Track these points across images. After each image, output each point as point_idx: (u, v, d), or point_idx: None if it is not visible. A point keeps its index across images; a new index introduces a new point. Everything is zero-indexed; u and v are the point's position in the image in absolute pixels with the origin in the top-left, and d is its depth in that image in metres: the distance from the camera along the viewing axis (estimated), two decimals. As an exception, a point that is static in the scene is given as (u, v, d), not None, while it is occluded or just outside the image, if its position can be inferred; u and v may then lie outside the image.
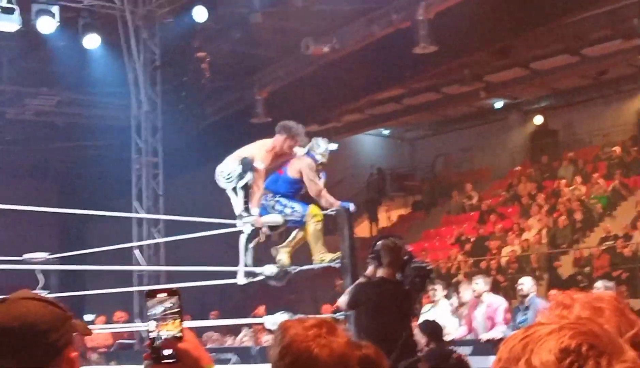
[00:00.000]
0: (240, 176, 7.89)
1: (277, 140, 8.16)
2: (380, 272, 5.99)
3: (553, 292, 12.55)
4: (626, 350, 1.14)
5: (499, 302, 9.80)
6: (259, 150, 8.10)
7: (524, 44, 17.47)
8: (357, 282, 6.37)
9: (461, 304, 10.51)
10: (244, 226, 8.10)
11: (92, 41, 15.16)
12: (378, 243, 6.20)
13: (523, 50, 18.00)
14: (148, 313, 1.86)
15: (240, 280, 8.17)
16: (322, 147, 8.37)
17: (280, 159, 8.23)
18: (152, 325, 1.86)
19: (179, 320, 1.90)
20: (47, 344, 1.68)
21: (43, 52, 16.13)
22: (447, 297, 10.70)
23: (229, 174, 7.95)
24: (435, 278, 8.77)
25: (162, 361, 1.88)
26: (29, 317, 1.68)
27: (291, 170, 8.24)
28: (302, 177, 8.16)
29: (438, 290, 10.40)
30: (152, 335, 1.86)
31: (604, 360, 1.10)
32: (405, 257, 6.09)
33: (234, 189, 7.99)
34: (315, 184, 8.11)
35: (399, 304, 5.86)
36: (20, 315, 1.68)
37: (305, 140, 8.31)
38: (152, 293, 1.90)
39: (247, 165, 7.87)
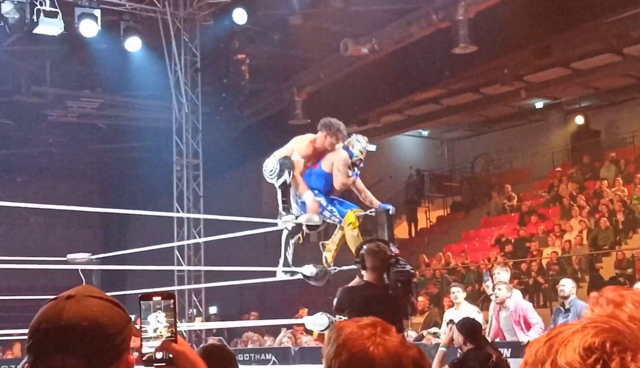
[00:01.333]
0: (279, 175, 7.93)
1: (318, 136, 8.19)
2: (366, 276, 5.89)
3: (594, 294, 12.42)
4: None
5: (526, 305, 9.76)
6: (298, 143, 8.13)
7: (564, 43, 17.31)
8: (343, 286, 6.30)
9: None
10: (285, 224, 8.15)
11: (133, 44, 15.33)
12: (363, 246, 6.05)
13: (564, 50, 17.84)
14: (143, 316, 1.88)
15: (279, 275, 8.22)
16: (362, 143, 8.36)
17: (320, 155, 8.23)
18: (146, 328, 1.89)
19: (174, 323, 1.93)
20: (113, 346, 1.68)
21: (85, 55, 16.34)
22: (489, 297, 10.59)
23: (270, 171, 8.00)
24: (418, 284, 8.59)
25: (155, 364, 1.90)
26: (98, 317, 1.67)
27: (325, 164, 8.21)
28: (333, 170, 8.15)
29: (459, 292, 10.30)
30: (145, 337, 1.88)
31: (628, 355, 1.12)
32: (391, 261, 5.92)
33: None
34: (343, 176, 8.07)
35: (385, 308, 5.67)
36: (90, 314, 1.66)
37: (346, 137, 8.32)
38: (147, 296, 1.92)
39: (284, 164, 7.90)
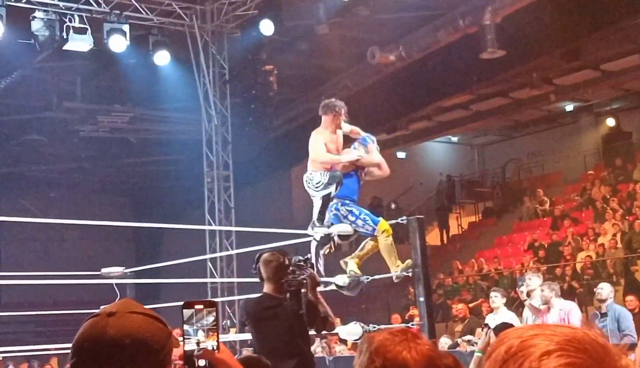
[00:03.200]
0: (325, 187, 7.94)
1: (327, 121, 8.25)
2: (265, 288, 5.75)
3: (630, 298, 12.28)
4: (625, 366, 1.04)
5: (571, 306, 9.58)
6: (323, 137, 8.16)
7: (593, 46, 17.18)
8: (245, 299, 6.20)
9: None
10: (316, 234, 8.16)
11: (162, 58, 15.45)
12: (259, 257, 5.82)
13: (593, 52, 17.70)
14: (185, 325, 1.89)
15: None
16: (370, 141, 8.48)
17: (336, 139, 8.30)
18: (189, 336, 1.90)
19: (216, 332, 1.94)
20: (156, 362, 1.68)
21: (115, 70, 16.50)
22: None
23: (317, 183, 8.01)
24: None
25: None
26: (141, 333, 1.67)
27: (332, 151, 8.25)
28: (355, 168, 8.19)
29: (497, 297, 10.18)
30: (188, 346, 1.89)
31: None
32: (287, 271, 5.62)
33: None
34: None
35: (284, 320, 5.54)
36: (133, 331, 1.67)
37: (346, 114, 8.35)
38: (189, 305, 1.94)
39: (334, 177, 7.89)
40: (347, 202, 8.14)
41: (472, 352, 7.99)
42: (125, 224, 10.44)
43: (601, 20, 15.03)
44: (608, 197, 20.23)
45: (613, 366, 1.03)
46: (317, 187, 7.95)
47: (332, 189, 7.90)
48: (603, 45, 17.17)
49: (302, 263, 5.69)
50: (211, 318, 1.94)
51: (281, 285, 5.60)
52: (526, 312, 9.75)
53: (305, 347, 5.58)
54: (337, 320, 7.90)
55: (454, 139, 27.38)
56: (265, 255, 5.75)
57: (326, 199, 7.96)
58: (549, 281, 10.30)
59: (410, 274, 8.01)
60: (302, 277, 5.55)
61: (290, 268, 5.62)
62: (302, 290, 5.51)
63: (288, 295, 5.52)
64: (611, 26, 15.41)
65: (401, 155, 24.03)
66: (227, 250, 15.12)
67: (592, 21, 15.11)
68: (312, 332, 5.85)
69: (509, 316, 9.64)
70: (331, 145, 8.04)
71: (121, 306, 1.75)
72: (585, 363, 1.02)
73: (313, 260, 8.24)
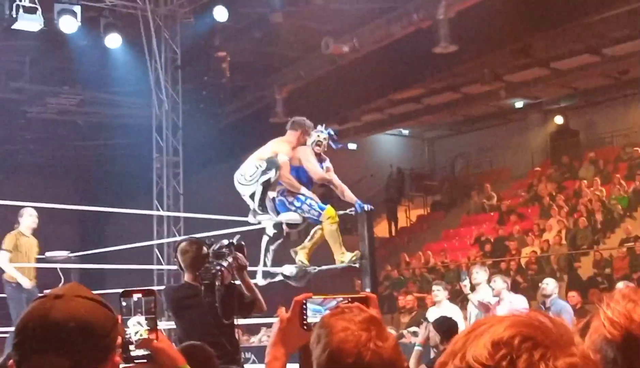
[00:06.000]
0: (264, 173, 7.94)
1: (293, 136, 8.25)
2: (185, 276, 5.64)
3: (572, 293, 12.50)
4: (576, 344, 1.05)
5: (520, 300, 9.68)
6: (279, 146, 8.17)
7: (544, 44, 17.40)
8: (165, 286, 6.21)
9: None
10: (267, 225, 8.16)
11: (113, 40, 15.25)
12: (179, 246, 5.77)
13: (543, 50, 17.92)
14: (123, 314, 1.87)
15: (260, 281, 8.19)
16: (323, 134, 8.40)
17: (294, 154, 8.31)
18: (127, 325, 1.88)
19: (155, 320, 1.93)
20: (100, 347, 1.66)
21: (65, 51, 16.24)
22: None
23: (251, 176, 8.00)
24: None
25: (135, 361, 1.90)
26: (87, 317, 1.65)
27: (293, 161, 8.28)
28: (303, 164, 8.20)
29: (440, 291, 10.22)
30: (126, 335, 1.87)
31: (537, 353, 1.01)
32: (204, 260, 5.57)
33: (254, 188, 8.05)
34: (314, 167, 8.14)
35: (203, 310, 5.45)
36: (78, 314, 1.65)
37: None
38: (128, 294, 1.92)
39: (271, 162, 7.93)
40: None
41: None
42: (70, 207, 10.30)
43: (552, 19, 15.21)
44: (554, 193, 20.54)
45: (565, 341, 1.04)
46: (251, 179, 7.98)
47: (271, 174, 7.91)
48: (553, 43, 17.39)
49: (223, 250, 5.63)
50: (150, 307, 1.92)
51: (195, 273, 5.55)
52: (470, 307, 9.83)
53: (225, 338, 5.50)
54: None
55: (405, 132, 27.52)
56: (182, 245, 5.69)
57: (266, 185, 7.98)
58: (496, 275, 10.40)
59: (357, 265, 8.04)
60: (217, 268, 5.48)
61: (209, 258, 5.56)
62: (217, 283, 5.44)
63: (203, 288, 5.48)
64: (562, 25, 15.61)
65: (352, 146, 24.08)
66: (175, 236, 15.00)
67: (544, 19, 15.29)
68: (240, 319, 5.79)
69: (451, 309, 9.72)
70: (283, 157, 8.06)
71: (69, 289, 1.73)
72: (532, 333, 1.03)
73: (262, 256, 8.21)
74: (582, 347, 1.05)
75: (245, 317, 5.74)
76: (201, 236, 6.14)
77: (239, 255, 5.66)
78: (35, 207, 9.26)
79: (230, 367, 5.35)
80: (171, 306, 5.71)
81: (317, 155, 8.29)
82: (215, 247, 5.63)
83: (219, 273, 5.47)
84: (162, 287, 14.03)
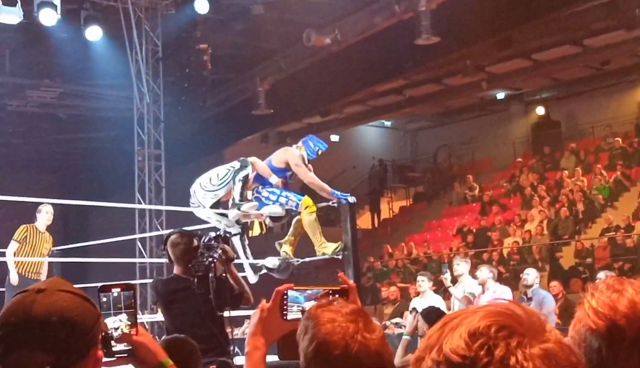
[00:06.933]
0: (239, 170, 8.03)
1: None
2: (175, 269, 5.61)
3: (554, 283, 12.57)
4: (549, 330, 1.06)
5: (504, 290, 9.72)
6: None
7: (525, 35, 17.43)
8: (155, 278, 6.20)
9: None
10: (229, 225, 8.20)
11: (94, 33, 15.15)
12: (167, 238, 5.72)
13: (525, 41, 17.96)
14: (102, 308, 1.87)
15: (252, 278, 8.21)
16: (322, 143, 8.45)
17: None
18: (106, 320, 1.88)
19: (134, 315, 1.93)
20: (82, 342, 1.66)
21: (45, 44, 16.12)
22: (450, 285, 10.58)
23: (223, 177, 8.09)
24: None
25: (116, 356, 1.89)
26: (69, 312, 1.65)
27: (276, 160, 8.34)
28: (289, 166, 8.24)
29: (424, 281, 10.26)
30: (107, 330, 1.87)
31: (514, 340, 1.02)
32: (196, 253, 5.51)
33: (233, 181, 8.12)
34: (305, 172, 8.18)
35: (193, 303, 5.42)
36: (60, 308, 1.64)
37: None
38: (106, 288, 1.92)
39: (244, 161, 8.07)
40: (267, 185, 8.25)
41: (400, 335, 8.08)
42: (51, 201, 10.26)
43: (533, 10, 15.24)
44: (536, 184, 20.65)
45: (538, 328, 1.05)
46: (221, 182, 8.09)
47: (249, 171, 8.02)
48: (534, 35, 17.43)
49: (212, 242, 5.61)
50: (129, 301, 1.92)
51: (185, 266, 5.52)
52: (454, 299, 9.87)
53: (217, 329, 5.50)
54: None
55: (387, 124, 27.56)
56: (172, 237, 5.64)
57: (245, 180, 8.06)
58: (482, 265, 10.45)
59: (340, 257, 8.05)
60: (209, 260, 5.47)
61: (199, 250, 5.54)
62: (210, 275, 5.43)
63: (195, 280, 5.46)
64: (543, 16, 15.65)
65: (335, 138, 24.08)
66: (158, 230, 14.96)
67: (525, 11, 15.32)
68: (227, 312, 5.79)
69: (435, 300, 9.76)
70: (280, 163, 8.41)
71: (51, 283, 1.72)
72: (507, 322, 1.04)
73: (240, 253, 8.22)
74: (555, 332, 1.07)
75: (233, 309, 5.74)
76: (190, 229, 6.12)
77: (227, 247, 5.66)
78: (15, 202, 9.22)
79: (221, 359, 5.35)
80: (161, 299, 5.68)
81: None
82: (205, 239, 5.62)
83: (212, 265, 5.46)
84: (145, 281, 14.05)
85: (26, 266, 9.81)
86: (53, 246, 10.33)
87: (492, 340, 1.02)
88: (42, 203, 10.10)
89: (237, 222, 8.33)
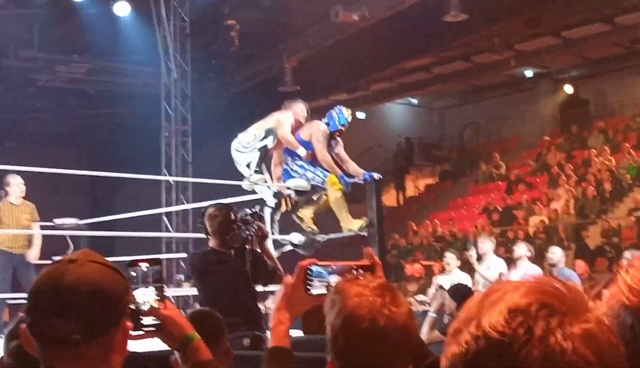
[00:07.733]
0: (262, 139, 8.06)
1: (293, 116, 8.36)
2: (210, 242, 5.63)
3: (579, 262, 12.52)
4: (590, 309, 1.04)
5: (535, 270, 9.63)
6: (283, 117, 8.27)
7: (555, 12, 17.27)
8: (191, 252, 6.21)
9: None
10: (266, 196, 8.22)
11: (122, 9, 15.23)
12: (206, 211, 5.75)
13: (554, 19, 17.80)
14: (131, 283, 1.90)
15: (273, 252, 8.25)
16: (344, 116, 8.39)
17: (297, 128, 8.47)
18: (135, 294, 1.91)
19: (162, 289, 1.96)
20: (112, 312, 1.68)
21: (74, 19, 16.21)
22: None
23: (248, 143, 8.10)
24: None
25: (143, 329, 1.93)
26: (100, 282, 1.67)
27: (304, 133, 8.35)
28: (312, 141, 8.25)
29: (453, 259, 10.25)
30: (134, 304, 1.90)
31: (554, 320, 1.00)
32: (233, 226, 5.57)
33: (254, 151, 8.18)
34: (321, 148, 8.16)
35: (229, 276, 5.46)
36: (91, 279, 1.66)
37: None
38: (134, 263, 1.95)
39: (269, 131, 8.07)
40: (297, 158, 8.25)
41: (425, 312, 8.09)
42: (78, 173, 10.35)
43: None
44: (563, 163, 20.50)
45: (580, 307, 1.04)
46: (247, 146, 8.10)
47: (269, 141, 8.04)
48: (565, 12, 17.26)
49: (248, 217, 5.66)
50: (157, 276, 1.95)
51: (226, 240, 5.56)
52: (478, 276, 9.86)
53: (251, 303, 5.56)
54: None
55: (414, 101, 27.44)
56: (210, 210, 5.69)
57: (263, 151, 8.10)
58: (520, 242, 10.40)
59: (365, 234, 8.07)
60: (247, 233, 5.51)
61: (237, 223, 5.59)
62: (247, 247, 5.48)
63: (232, 251, 5.50)
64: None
65: (361, 115, 24.01)
66: (184, 204, 15.05)
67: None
68: (259, 287, 5.85)
69: (461, 277, 9.75)
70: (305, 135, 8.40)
71: (82, 254, 1.75)
72: (548, 300, 1.03)
73: (267, 226, 8.28)
74: (597, 312, 1.05)
75: (265, 285, 5.80)
76: (209, 204, 6.17)
77: (261, 224, 5.72)
78: (45, 175, 9.30)
79: (255, 333, 5.40)
80: (196, 272, 5.73)
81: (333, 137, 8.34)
82: (242, 214, 5.67)
83: (249, 238, 5.51)
84: (170, 256, 14.16)
85: (9, 242, 9.54)
86: (82, 219, 10.20)
87: (532, 318, 1.01)
88: (66, 174, 9.89)
89: (274, 195, 8.37)
